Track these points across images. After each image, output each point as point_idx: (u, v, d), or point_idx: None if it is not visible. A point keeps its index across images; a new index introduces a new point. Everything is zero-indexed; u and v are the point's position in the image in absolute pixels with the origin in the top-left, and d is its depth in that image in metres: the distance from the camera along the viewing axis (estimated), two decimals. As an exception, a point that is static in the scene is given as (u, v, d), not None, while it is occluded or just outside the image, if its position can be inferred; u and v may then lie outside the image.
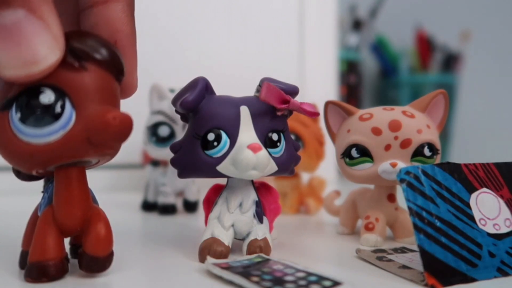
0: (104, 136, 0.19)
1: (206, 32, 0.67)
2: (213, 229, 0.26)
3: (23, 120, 0.19)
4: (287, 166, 0.27)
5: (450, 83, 0.95)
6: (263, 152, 0.25)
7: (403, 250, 0.28)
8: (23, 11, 0.18)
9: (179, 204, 0.46)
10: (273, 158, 0.26)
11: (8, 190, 0.51)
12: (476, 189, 0.25)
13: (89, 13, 0.22)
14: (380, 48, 0.97)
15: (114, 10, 0.22)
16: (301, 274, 0.22)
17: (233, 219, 0.27)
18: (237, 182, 0.27)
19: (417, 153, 0.29)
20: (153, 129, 0.41)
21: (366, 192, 0.34)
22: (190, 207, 0.45)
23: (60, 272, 0.22)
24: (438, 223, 0.23)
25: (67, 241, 0.24)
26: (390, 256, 0.27)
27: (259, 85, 0.27)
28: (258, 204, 0.27)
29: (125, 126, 0.19)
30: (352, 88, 0.88)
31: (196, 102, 0.26)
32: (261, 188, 0.29)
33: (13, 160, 0.20)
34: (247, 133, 0.25)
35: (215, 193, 0.29)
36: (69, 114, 0.20)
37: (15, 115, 0.20)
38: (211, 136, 0.25)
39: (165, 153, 0.40)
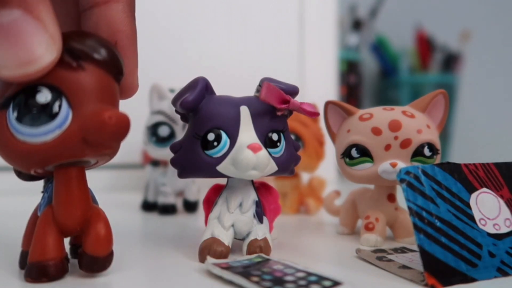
0: (100, 136, 0.19)
1: (206, 32, 0.67)
2: (213, 229, 0.26)
3: (19, 119, 0.19)
4: (287, 166, 0.27)
5: (450, 83, 0.95)
6: (263, 152, 0.25)
7: (403, 250, 0.28)
8: (20, 11, 0.18)
9: (179, 204, 0.46)
10: (273, 158, 0.26)
11: (8, 190, 0.51)
12: (476, 189, 0.25)
13: (89, 13, 0.22)
14: (380, 48, 0.97)
15: (115, 11, 0.22)
16: (301, 274, 0.22)
17: (233, 219, 0.27)
18: (237, 182, 0.27)
19: (417, 153, 0.29)
20: (153, 129, 0.41)
21: (366, 192, 0.34)
22: (190, 207, 0.45)
23: (60, 272, 0.22)
24: (438, 223, 0.23)
25: (67, 241, 0.24)
26: (390, 256, 0.27)
27: (259, 85, 0.27)
28: (258, 204, 0.27)
29: (121, 126, 0.19)
30: (352, 88, 0.88)
31: (196, 102, 0.26)
32: (261, 188, 0.29)
33: (11, 159, 0.20)
34: (247, 133, 0.25)
35: (215, 193, 0.29)
36: (65, 113, 0.19)
37: (12, 114, 0.20)
38: (211, 136, 0.25)
39: (165, 153, 0.40)
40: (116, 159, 0.23)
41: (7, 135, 0.20)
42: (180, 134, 0.41)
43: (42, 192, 0.25)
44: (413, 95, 0.93)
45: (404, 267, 0.24)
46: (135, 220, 0.42)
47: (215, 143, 0.25)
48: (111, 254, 0.23)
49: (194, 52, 0.66)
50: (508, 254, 0.24)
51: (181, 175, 0.27)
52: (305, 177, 0.46)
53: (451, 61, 0.95)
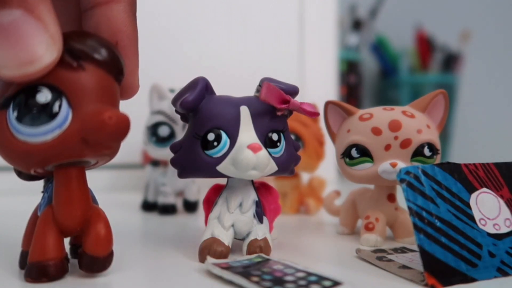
0: (100, 136, 0.19)
1: (206, 32, 0.67)
2: (213, 229, 0.26)
3: (19, 119, 0.19)
4: (287, 166, 0.27)
5: (450, 83, 0.95)
6: (263, 152, 0.25)
7: (403, 250, 0.28)
8: (20, 11, 0.18)
9: (179, 204, 0.46)
10: (273, 158, 0.26)
11: (8, 190, 0.51)
12: (476, 189, 0.25)
13: (91, 13, 0.22)
14: (380, 48, 0.97)
15: (116, 11, 0.22)
16: (301, 274, 0.22)
17: (233, 219, 0.27)
18: (237, 182, 0.27)
19: (417, 153, 0.29)
20: (153, 129, 0.41)
21: (366, 192, 0.34)
22: (190, 207, 0.45)
23: (60, 272, 0.22)
24: (438, 223, 0.23)
25: (67, 241, 0.24)
26: (390, 256, 0.27)
27: (259, 85, 0.27)
28: (258, 204, 0.27)
29: (121, 126, 0.19)
30: (352, 88, 0.88)
31: (196, 102, 0.26)
32: (261, 188, 0.29)
33: (11, 159, 0.20)
34: (247, 133, 0.25)
35: (215, 193, 0.29)
36: (65, 113, 0.19)
37: (12, 114, 0.20)
38: (211, 136, 0.25)
39: (165, 153, 0.40)
40: (116, 159, 0.23)
41: (7, 135, 0.20)
42: (180, 134, 0.41)
43: (42, 192, 0.25)
44: (413, 95, 0.93)
45: (404, 267, 0.24)
46: (135, 220, 0.42)
47: (215, 143, 0.25)
48: (111, 254, 0.23)
49: (194, 52, 0.66)
50: (508, 254, 0.24)
51: (181, 175, 0.27)
52: (305, 177, 0.46)
53: (451, 61, 0.95)
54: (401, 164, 0.29)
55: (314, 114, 0.27)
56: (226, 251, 0.26)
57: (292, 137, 0.31)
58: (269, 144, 0.26)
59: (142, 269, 0.25)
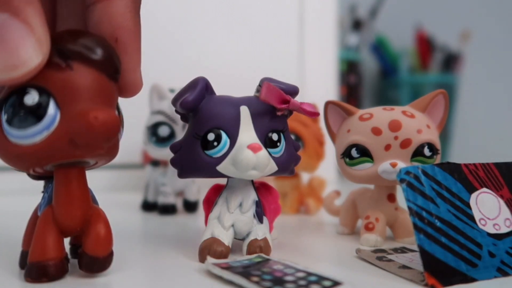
0: (86, 137, 0.19)
1: (206, 32, 0.67)
2: (213, 229, 0.26)
3: (9, 121, 0.19)
4: (287, 166, 0.27)
5: (450, 83, 0.95)
6: (263, 152, 0.25)
7: (403, 250, 0.28)
8: (6, 14, 0.18)
9: (179, 204, 0.46)
10: (273, 158, 0.26)
11: (8, 190, 0.51)
12: (476, 189, 0.25)
13: (93, 9, 0.22)
14: (380, 48, 0.97)
15: (117, 6, 0.22)
16: (301, 274, 0.22)
17: (233, 219, 0.27)
18: (237, 182, 0.27)
19: (417, 153, 0.29)
20: (153, 129, 0.41)
21: (366, 192, 0.34)
22: (190, 207, 0.45)
23: (60, 272, 0.22)
24: (438, 223, 0.23)
25: (67, 241, 0.24)
26: (390, 256, 0.27)
27: (259, 85, 0.27)
28: (258, 204, 0.27)
29: (108, 126, 0.19)
30: (352, 88, 0.88)
31: (196, 102, 0.26)
32: (261, 188, 0.29)
33: (6, 161, 0.20)
34: (247, 133, 0.25)
35: (215, 193, 0.29)
36: (53, 115, 0.19)
37: (3, 117, 0.20)
38: (211, 136, 0.25)
39: (165, 153, 0.40)
40: (116, 159, 0.23)
41: (1, 138, 0.20)
42: (180, 134, 0.41)
43: (42, 192, 0.25)
44: (413, 95, 0.93)
45: (404, 267, 0.24)
46: (135, 220, 0.42)
47: (215, 143, 0.25)
48: (111, 255, 0.23)
49: (194, 52, 0.66)
50: (508, 254, 0.24)
51: (181, 175, 0.27)
52: (305, 177, 0.46)
53: (451, 61, 0.95)
54: (401, 164, 0.29)
55: (314, 114, 0.27)
56: (226, 251, 0.26)
57: (292, 137, 0.31)
58: (269, 144, 0.26)
59: (142, 269, 0.25)
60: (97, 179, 0.31)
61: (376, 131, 0.30)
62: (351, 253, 0.28)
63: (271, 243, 0.27)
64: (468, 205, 0.24)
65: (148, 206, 0.46)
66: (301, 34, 0.73)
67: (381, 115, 0.30)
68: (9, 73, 0.18)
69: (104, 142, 0.20)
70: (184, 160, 0.26)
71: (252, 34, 0.70)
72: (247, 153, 0.24)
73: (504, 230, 0.25)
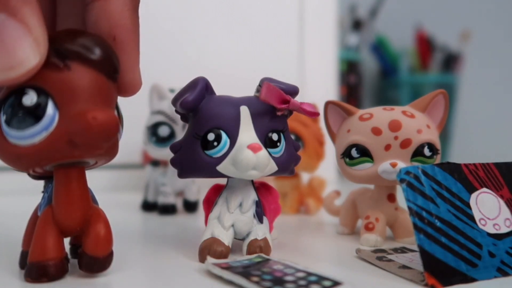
0: (85, 137, 0.19)
1: (206, 32, 0.67)
2: (213, 229, 0.26)
3: (7, 122, 0.19)
4: (287, 166, 0.27)
5: (450, 83, 0.95)
6: (263, 152, 0.25)
7: (403, 250, 0.28)
8: (4, 15, 0.18)
9: (179, 204, 0.46)
10: (273, 158, 0.26)
11: (8, 190, 0.51)
12: (476, 189, 0.25)
13: (91, 7, 0.22)
14: (380, 48, 0.97)
15: (115, 4, 0.21)
16: (301, 274, 0.22)
17: (233, 219, 0.27)
18: (237, 182, 0.27)
19: (417, 153, 0.29)
20: (153, 129, 0.41)
21: (366, 192, 0.34)
22: (190, 207, 0.45)
23: (60, 272, 0.22)
24: (438, 223, 0.23)
25: (67, 241, 0.24)
26: (390, 256, 0.27)
27: (259, 85, 0.27)
28: (258, 204, 0.27)
29: (106, 126, 0.19)
30: (352, 88, 0.88)
31: (196, 102, 0.26)
32: (261, 188, 0.29)
33: (5, 161, 0.20)
34: (247, 133, 0.25)
35: (215, 193, 0.29)
36: (51, 115, 0.19)
37: (2, 117, 0.20)
38: (211, 136, 0.25)
39: (165, 153, 0.40)
40: (116, 159, 0.23)
41: (0, 139, 0.20)
42: (180, 134, 0.41)
43: (42, 192, 0.25)
44: (413, 95, 0.93)
45: (404, 267, 0.24)
46: (135, 220, 0.42)
47: (215, 143, 0.25)
48: (111, 255, 0.23)
49: (194, 52, 0.66)
50: (508, 254, 0.24)
51: (181, 175, 0.27)
52: (305, 177, 0.46)
53: (451, 61, 0.95)
54: (401, 164, 0.29)
55: (314, 114, 0.27)
56: (226, 251, 0.26)
57: (292, 137, 0.31)
58: (269, 144, 0.26)
59: (142, 269, 0.25)
60: (97, 179, 0.31)
61: (376, 131, 0.30)
62: (351, 253, 0.28)
63: (271, 243, 0.27)
64: (468, 205, 0.24)
65: (148, 206, 0.46)
66: (301, 34, 0.73)
67: (381, 115, 0.30)
68: (6, 73, 0.18)
69: (103, 142, 0.20)
70: (184, 160, 0.26)
71: (252, 34, 0.70)
72: (247, 153, 0.24)
73: (504, 230, 0.25)
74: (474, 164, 0.26)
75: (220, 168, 0.25)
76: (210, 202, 0.29)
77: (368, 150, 0.30)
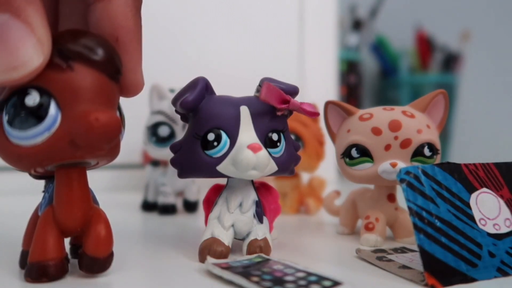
0: (87, 138, 0.19)
1: (206, 32, 0.67)
2: (213, 229, 0.26)
3: (10, 122, 0.19)
4: (287, 166, 0.27)
5: (450, 83, 0.95)
6: (263, 152, 0.25)
7: (403, 250, 0.28)
8: (7, 15, 0.18)
9: (179, 204, 0.46)
10: (273, 158, 0.26)
11: (8, 190, 0.51)
12: (476, 189, 0.25)
13: (93, 8, 0.22)
14: (380, 48, 0.97)
15: (117, 5, 0.21)
16: (301, 274, 0.22)
17: (233, 219, 0.27)
18: (237, 182, 0.27)
19: (417, 153, 0.29)
20: (153, 129, 0.41)
21: (366, 192, 0.34)
22: (190, 207, 0.45)
23: (60, 272, 0.22)
24: (438, 223, 0.23)
25: (67, 241, 0.24)
26: (390, 256, 0.27)
27: (259, 85, 0.27)
28: (258, 204, 0.27)
29: (109, 128, 0.19)
30: (352, 88, 0.88)
31: (196, 102, 0.26)
32: (261, 188, 0.29)
33: (7, 161, 0.20)
34: (247, 133, 0.25)
35: (215, 193, 0.29)
36: (54, 116, 0.19)
37: (4, 118, 0.19)
38: (211, 136, 0.25)
39: (165, 153, 0.40)
40: (116, 159, 0.23)
41: (2, 139, 0.20)
42: (180, 134, 0.41)
43: (43, 191, 0.25)
44: (413, 95, 0.93)
45: (404, 267, 0.24)
46: (135, 220, 0.42)
47: (215, 143, 0.25)
48: (111, 255, 0.23)
49: (194, 52, 0.66)
50: (508, 254, 0.24)
51: (181, 175, 0.27)
52: (305, 177, 0.46)
53: (451, 61, 0.95)
54: (401, 164, 0.29)
55: (314, 114, 0.27)
56: (226, 251, 0.26)
57: (292, 137, 0.31)
58: (269, 144, 0.26)
59: (142, 269, 0.25)
60: (97, 179, 0.31)
61: (376, 131, 0.30)
62: (351, 253, 0.28)
63: (271, 243, 0.27)
64: (468, 205, 0.24)
65: (148, 206, 0.46)
66: (301, 34, 0.73)
67: (381, 115, 0.30)
68: (10, 74, 0.18)
69: (105, 143, 0.20)
70: (184, 160, 0.26)
71: (252, 34, 0.70)
72: (247, 153, 0.24)
73: (504, 230, 0.25)
74: (474, 164, 0.26)
75: (220, 168, 0.25)
76: (210, 202, 0.29)
77: (368, 150, 0.30)
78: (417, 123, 0.30)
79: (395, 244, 0.31)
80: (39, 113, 0.19)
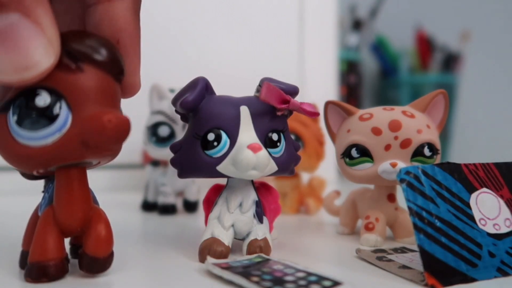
0: (99, 139, 0.19)
1: (206, 32, 0.67)
2: (213, 229, 0.26)
3: (19, 123, 0.19)
4: (287, 166, 0.27)
5: (450, 83, 0.95)
6: (263, 152, 0.25)
7: (403, 250, 0.28)
8: (17, 15, 0.18)
9: (179, 204, 0.46)
10: (273, 158, 0.26)
11: (8, 190, 0.51)
12: (476, 189, 0.25)
13: (93, 10, 0.22)
14: (380, 48, 0.97)
15: (118, 8, 0.22)
16: (301, 274, 0.22)
17: (233, 219, 0.27)
18: (237, 182, 0.27)
19: (417, 153, 0.29)
20: (153, 129, 0.41)
21: (366, 192, 0.34)
22: (190, 207, 0.45)
23: (60, 272, 0.22)
24: (438, 223, 0.23)
25: (67, 241, 0.24)
26: (390, 256, 0.27)
27: (259, 85, 0.27)
28: (258, 204, 0.27)
29: (121, 129, 0.19)
30: (352, 88, 0.88)
31: (196, 102, 0.26)
32: (261, 188, 0.29)
33: (12, 162, 0.20)
34: (247, 133, 0.25)
35: (215, 193, 0.29)
36: (65, 116, 0.19)
37: (12, 118, 0.19)
38: (211, 136, 0.25)
39: (165, 153, 0.40)
40: (116, 159, 0.23)
41: (8, 138, 0.20)
42: (180, 134, 0.41)
43: (43, 191, 0.25)
44: (413, 95, 0.93)
45: (404, 267, 0.24)
46: (135, 220, 0.42)
47: (215, 143, 0.25)
48: (111, 255, 0.23)
49: (194, 52, 0.66)
50: (508, 254, 0.24)
51: (181, 175, 0.27)
52: (305, 177, 0.46)
53: (451, 61, 0.95)
54: (401, 164, 0.29)
55: (314, 114, 0.27)
56: (226, 251, 0.26)
57: (292, 137, 0.31)
58: (269, 144, 0.26)
59: (142, 269, 0.25)
60: (97, 179, 0.31)
61: (376, 131, 0.30)
62: (351, 253, 0.28)
63: (271, 243, 0.27)
64: (468, 205, 0.24)
65: (148, 206, 0.46)
66: (301, 34, 0.73)
67: (381, 115, 0.30)
68: (21, 74, 0.18)
69: (115, 144, 0.20)
70: (184, 160, 0.26)
71: (252, 34, 0.70)
72: (247, 153, 0.24)
73: (504, 230, 0.25)
74: (474, 164, 0.26)
75: (220, 168, 0.25)
76: (210, 202, 0.29)
77: (368, 150, 0.30)
78: (417, 123, 0.30)
79: (395, 244, 0.31)
80: (50, 114, 0.19)
